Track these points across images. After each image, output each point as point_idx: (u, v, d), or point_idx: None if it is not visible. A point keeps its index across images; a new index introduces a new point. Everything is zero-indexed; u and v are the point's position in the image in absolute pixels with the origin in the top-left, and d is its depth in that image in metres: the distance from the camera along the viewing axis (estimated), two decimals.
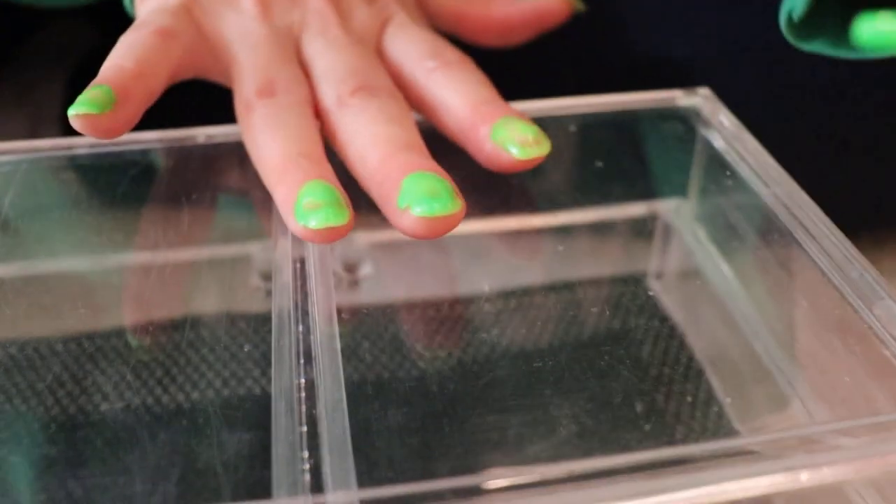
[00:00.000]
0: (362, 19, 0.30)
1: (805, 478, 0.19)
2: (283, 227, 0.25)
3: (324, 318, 0.23)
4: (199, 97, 0.30)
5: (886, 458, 0.19)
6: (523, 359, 0.27)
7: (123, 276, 0.29)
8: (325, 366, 0.22)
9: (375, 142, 0.25)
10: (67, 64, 0.43)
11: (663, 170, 0.33)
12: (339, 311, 0.25)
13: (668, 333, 0.28)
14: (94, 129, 0.25)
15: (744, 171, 0.29)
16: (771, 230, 0.27)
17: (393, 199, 0.23)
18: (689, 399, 0.26)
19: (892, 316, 0.23)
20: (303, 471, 0.19)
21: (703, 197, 0.32)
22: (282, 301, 0.24)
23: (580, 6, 0.34)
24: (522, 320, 0.28)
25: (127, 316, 0.28)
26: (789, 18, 0.27)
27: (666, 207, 0.33)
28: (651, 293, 0.29)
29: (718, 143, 0.30)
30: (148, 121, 0.26)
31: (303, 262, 0.25)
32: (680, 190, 0.32)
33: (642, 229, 0.32)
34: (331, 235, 0.23)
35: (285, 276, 0.25)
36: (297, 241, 0.25)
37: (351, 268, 0.30)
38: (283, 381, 0.22)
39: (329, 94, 0.27)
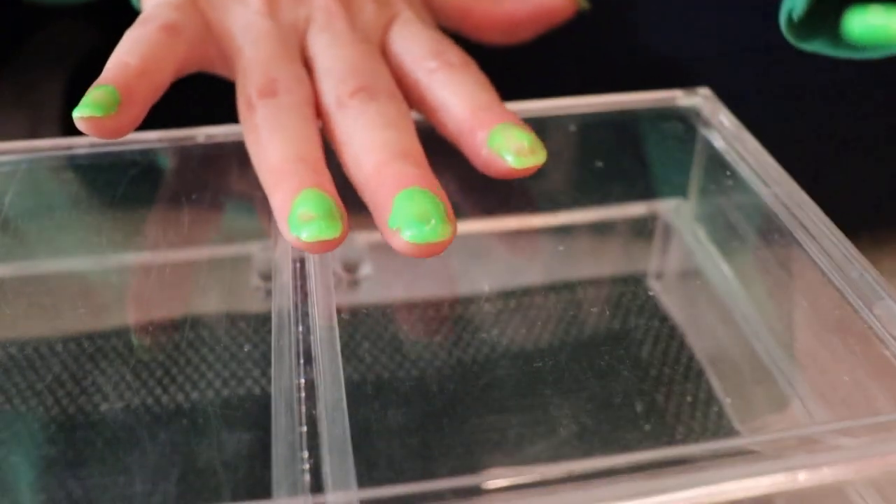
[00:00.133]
0: (368, 16, 0.30)
1: (805, 478, 0.19)
2: None
3: (324, 319, 0.23)
4: (201, 94, 0.30)
5: (886, 458, 0.19)
6: (523, 359, 0.27)
7: (123, 276, 0.29)
8: (325, 366, 0.22)
9: (371, 146, 0.25)
10: (67, 64, 0.43)
11: (663, 170, 0.33)
12: (339, 311, 0.25)
13: (668, 333, 0.28)
14: (99, 131, 0.25)
15: (744, 171, 0.29)
16: (771, 230, 0.27)
17: (384, 216, 0.23)
18: (689, 399, 0.26)
19: (892, 316, 0.23)
20: (303, 471, 0.19)
21: (703, 197, 0.32)
22: (282, 301, 0.24)
23: (585, 4, 0.33)
24: (522, 320, 0.28)
25: (127, 316, 0.28)
26: (789, 18, 0.27)
27: (666, 207, 0.33)
28: (651, 293, 0.29)
29: (718, 143, 0.30)
30: (149, 120, 0.26)
31: (303, 262, 0.25)
32: (680, 190, 0.32)
33: (642, 229, 0.32)
34: (323, 248, 0.23)
35: (285, 276, 0.25)
36: None
37: (351, 268, 0.30)
38: (283, 381, 0.22)
39: (329, 94, 0.27)
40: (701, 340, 0.28)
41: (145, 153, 0.29)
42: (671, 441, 0.24)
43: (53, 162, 0.29)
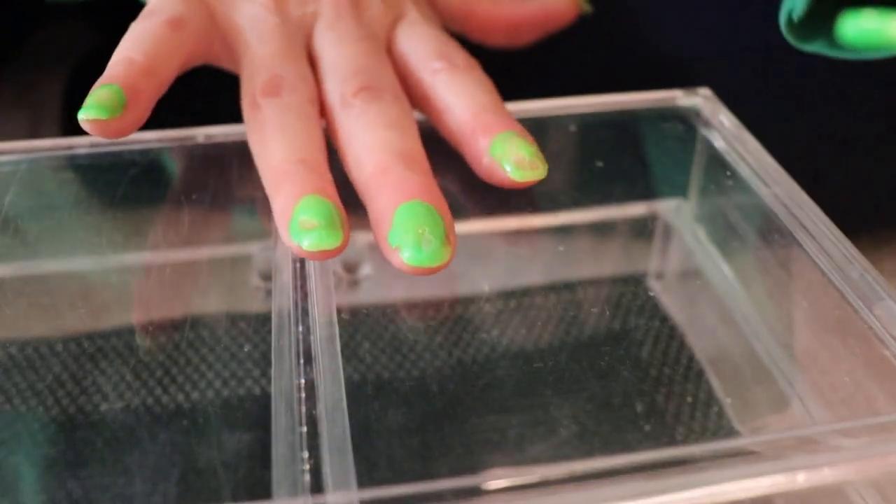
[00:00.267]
0: (375, 14, 0.30)
1: (805, 478, 0.19)
2: None
3: (324, 318, 0.23)
4: (206, 87, 0.30)
5: (886, 459, 0.19)
6: (523, 359, 0.27)
7: (123, 277, 0.29)
8: (325, 366, 0.22)
9: (373, 146, 0.25)
10: (67, 64, 0.43)
11: (663, 170, 0.33)
12: (339, 311, 0.25)
13: (668, 333, 0.28)
14: (104, 133, 0.24)
15: (744, 171, 0.29)
16: (771, 230, 0.27)
17: (384, 229, 0.23)
18: (689, 399, 0.26)
19: (892, 316, 0.23)
20: (303, 471, 0.19)
21: (703, 197, 0.32)
22: (282, 301, 0.24)
23: (587, 8, 0.34)
24: (522, 320, 0.28)
25: (127, 316, 0.28)
26: (789, 19, 0.27)
27: (666, 207, 0.33)
28: (651, 293, 0.29)
29: (718, 143, 0.30)
30: (150, 125, 0.26)
31: (303, 262, 0.25)
32: (680, 190, 0.32)
33: (642, 229, 0.32)
34: (323, 256, 0.23)
35: (285, 276, 0.25)
36: None
37: (351, 268, 0.30)
38: (283, 382, 0.22)
39: (333, 92, 0.27)
40: (701, 340, 0.28)
41: (145, 153, 0.29)
42: (671, 441, 0.24)
43: (53, 162, 0.29)
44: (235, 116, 0.28)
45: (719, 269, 0.30)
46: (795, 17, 0.27)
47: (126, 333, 0.27)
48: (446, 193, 0.24)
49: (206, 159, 0.30)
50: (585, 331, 0.28)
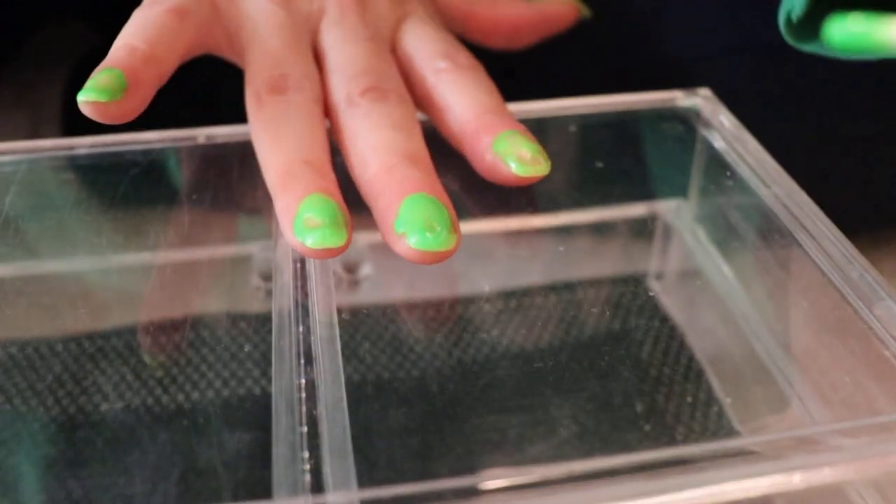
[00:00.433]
0: (381, 12, 0.30)
1: (805, 478, 0.19)
2: None
3: (324, 319, 0.23)
4: (204, 83, 0.30)
5: (886, 459, 0.19)
6: (523, 359, 0.27)
7: (123, 277, 0.29)
8: (325, 366, 0.22)
9: (378, 147, 0.25)
10: (67, 64, 0.43)
11: (663, 170, 0.33)
12: (339, 311, 0.25)
13: (668, 333, 0.28)
14: (102, 116, 0.24)
15: (744, 171, 0.29)
16: (771, 230, 0.27)
17: (390, 220, 0.23)
18: (689, 399, 0.26)
19: (892, 316, 0.23)
20: (303, 471, 0.19)
21: (703, 197, 0.32)
22: (282, 301, 0.24)
23: (586, 12, 0.34)
24: (522, 320, 0.28)
25: (127, 316, 0.28)
26: (788, 19, 0.27)
27: (666, 208, 0.33)
28: (651, 293, 0.29)
29: (718, 143, 0.30)
30: (150, 116, 0.26)
31: (303, 262, 0.25)
32: (680, 190, 0.32)
33: (642, 229, 0.32)
34: (327, 255, 0.23)
35: (285, 276, 0.25)
36: None
37: (351, 268, 0.30)
38: (284, 382, 0.22)
39: (339, 91, 0.27)
40: (701, 340, 0.28)
41: (146, 153, 0.29)
42: (671, 441, 0.24)
43: (54, 162, 0.29)
44: (237, 108, 0.28)
45: (719, 269, 0.30)
46: (794, 17, 0.27)
47: (126, 333, 0.27)
48: (447, 194, 0.24)
49: (206, 160, 0.30)
50: (585, 331, 0.28)
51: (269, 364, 0.24)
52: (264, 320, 0.27)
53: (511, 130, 0.26)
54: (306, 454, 0.20)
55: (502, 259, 0.32)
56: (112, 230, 0.30)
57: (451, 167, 0.26)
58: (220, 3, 0.28)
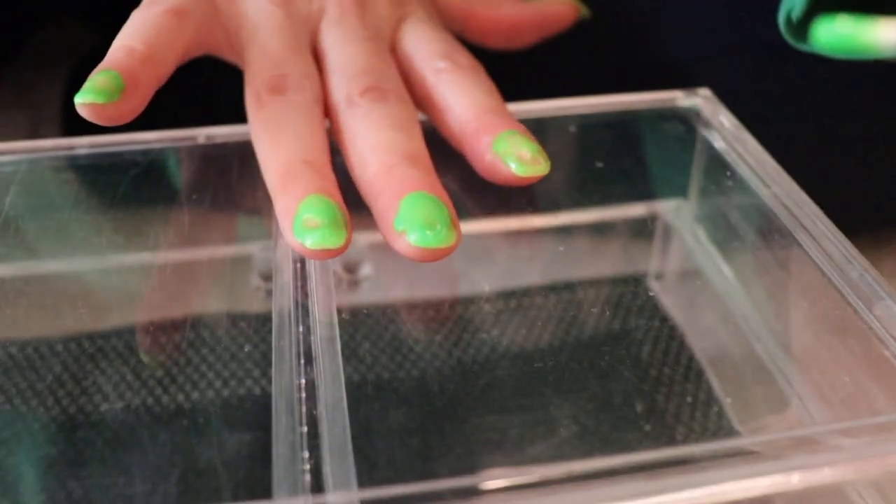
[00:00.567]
0: (381, 13, 0.30)
1: (805, 478, 0.19)
2: None
3: (324, 319, 0.23)
4: (203, 83, 0.30)
5: (886, 459, 0.19)
6: (523, 359, 0.27)
7: (124, 277, 0.30)
8: (325, 366, 0.22)
9: (378, 147, 0.25)
10: (67, 64, 0.43)
11: (663, 170, 0.33)
12: (339, 311, 0.25)
13: (668, 333, 0.28)
14: (100, 118, 0.24)
15: (744, 171, 0.29)
16: (771, 230, 0.27)
17: (390, 218, 0.23)
18: (689, 399, 0.26)
19: (892, 316, 0.23)
20: (303, 471, 0.19)
21: (703, 197, 0.32)
22: (282, 301, 0.24)
23: (586, 13, 0.34)
24: (522, 320, 0.28)
25: (127, 316, 0.28)
26: (788, 19, 0.27)
27: (666, 208, 0.33)
28: (651, 293, 0.29)
29: (718, 143, 0.30)
30: (150, 117, 0.26)
31: (303, 262, 0.25)
32: (680, 190, 0.32)
33: (642, 229, 0.32)
34: (326, 255, 0.23)
35: (285, 276, 0.25)
36: None
37: (351, 268, 0.30)
38: (284, 382, 0.22)
39: (339, 91, 0.27)
40: (701, 340, 0.28)
41: (146, 153, 0.29)
42: (671, 441, 0.24)
43: (54, 162, 0.29)
44: (236, 108, 0.28)
45: (719, 269, 0.30)
46: (794, 17, 0.27)
47: (126, 333, 0.27)
48: (447, 193, 0.24)
49: (206, 160, 0.30)
50: (585, 331, 0.28)
51: (269, 364, 0.24)
52: (264, 320, 0.27)
53: (511, 130, 0.26)
54: (306, 454, 0.20)
55: (502, 259, 0.32)
56: (112, 230, 0.30)
57: (451, 167, 0.26)
58: (219, 3, 0.28)
